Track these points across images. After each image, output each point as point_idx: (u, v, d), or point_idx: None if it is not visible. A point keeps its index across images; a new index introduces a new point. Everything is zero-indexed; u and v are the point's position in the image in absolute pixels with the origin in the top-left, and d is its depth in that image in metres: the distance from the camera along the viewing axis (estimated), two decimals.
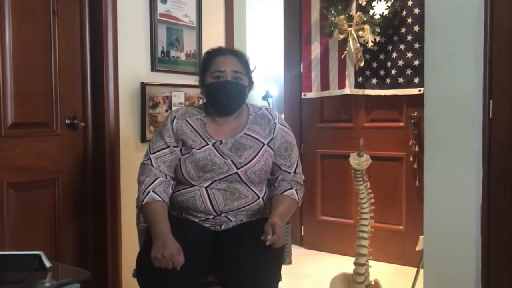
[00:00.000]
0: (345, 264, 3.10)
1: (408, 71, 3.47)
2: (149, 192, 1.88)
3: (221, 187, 1.91)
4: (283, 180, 1.99)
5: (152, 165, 1.93)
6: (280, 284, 1.83)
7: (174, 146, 1.96)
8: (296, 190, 1.98)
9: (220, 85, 1.96)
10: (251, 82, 2.06)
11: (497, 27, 2.30)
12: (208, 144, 1.94)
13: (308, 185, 3.86)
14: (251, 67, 2.06)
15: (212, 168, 1.90)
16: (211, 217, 1.91)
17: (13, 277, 1.45)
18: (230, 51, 2.07)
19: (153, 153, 1.95)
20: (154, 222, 1.81)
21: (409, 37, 3.45)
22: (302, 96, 4.06)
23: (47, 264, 1.51)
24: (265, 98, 4.61)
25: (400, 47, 3.50)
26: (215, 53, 2.03)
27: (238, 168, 1.90)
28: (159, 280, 1.68)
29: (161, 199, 1.88)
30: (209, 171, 1.90)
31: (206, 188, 1.90)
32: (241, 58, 2.02)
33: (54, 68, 2.46)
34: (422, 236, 2.55)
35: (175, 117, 2.00)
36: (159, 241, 1.71)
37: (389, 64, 3.57)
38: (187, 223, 1.91)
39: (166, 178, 1.93)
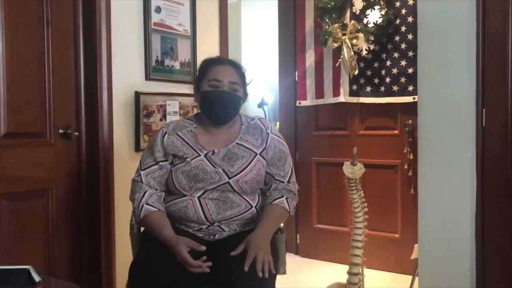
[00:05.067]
0: (341, 272, 3.07)
1: (402, 79, 3.48)
2: (142, 206, 1.91)
3: (213, 196, 1.91)
4: (275, 189, 1.99)
5: (141, 181, 1.97)
6: None
7: (163, 161, 1.98)
8: (286, 198, 1.97)
9: (216, 94, 1.96)
10: (245, 94, 2.07)
11: (489, 35, 2.31)
12: (200, 155, 1.94)
13: (304, 193, 3.88)
14: (248, 79, 2.07)
15: (203, 178, 1.90)
16: (204, 227, 1.90)
17: None
18: (229, 61, 2.07)
19: (143, 170, 1.99)
20: (157, 233, 1.85)
21: (403, 45, 3.46)
22: (297, 104, 4.06)
23: (37, 278, 1.50)
24: (260, 105, 4.61)
25: (394, 55, 3.52)
26: (214, 61, 2.04)
27: (229, 178, 1.90)
28: None
29: (156, 209, 1.91)
30: (201, 181, 1.90)
31: (198, 198, 1.90)
32: (239, 70, 2.03)
33: (48, 78, 2.46)
34: (417, 245, 2.55)
35: (166, 132, 2.01)
36: (172, 249, 1.77)
37: (383, 72, 3.58)
38: (181, 234, 1.90)
39: (156, 191, 1.96)
